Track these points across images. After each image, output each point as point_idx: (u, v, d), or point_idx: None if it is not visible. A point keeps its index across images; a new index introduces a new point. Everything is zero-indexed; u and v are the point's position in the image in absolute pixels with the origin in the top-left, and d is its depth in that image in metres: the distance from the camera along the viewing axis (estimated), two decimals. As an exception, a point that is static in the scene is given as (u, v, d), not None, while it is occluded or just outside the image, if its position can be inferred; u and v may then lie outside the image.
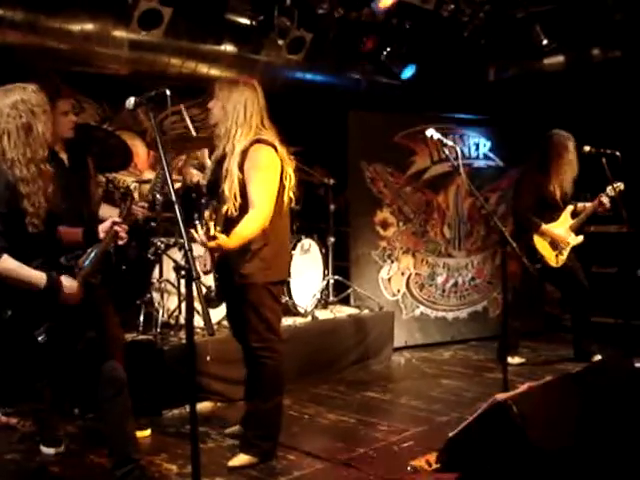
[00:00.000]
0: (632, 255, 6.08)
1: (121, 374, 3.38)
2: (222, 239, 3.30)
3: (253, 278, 3.64)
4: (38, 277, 3.02)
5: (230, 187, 3.51)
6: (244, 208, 3.52)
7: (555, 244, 5.74)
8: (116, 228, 3.26)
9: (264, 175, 3.55)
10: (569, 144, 5.69)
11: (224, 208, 3.45)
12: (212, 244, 3.30)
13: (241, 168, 3.53)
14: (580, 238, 5.84)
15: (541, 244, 5.72)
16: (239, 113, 3.59)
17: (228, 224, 3.43)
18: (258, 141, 3.57)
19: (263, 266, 3.64)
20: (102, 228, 3.33)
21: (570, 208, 5.83)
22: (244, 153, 3.55)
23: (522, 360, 5.94)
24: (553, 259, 5.74)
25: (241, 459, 3.72)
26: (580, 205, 5.87)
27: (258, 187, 3.51)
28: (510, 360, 5.71)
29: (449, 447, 3.40)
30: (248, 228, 3.48)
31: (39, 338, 3.02)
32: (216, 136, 3.70)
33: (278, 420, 3.83)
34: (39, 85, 3.16)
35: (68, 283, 3.09)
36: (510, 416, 3.06)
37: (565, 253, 5.77)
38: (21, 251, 3.05)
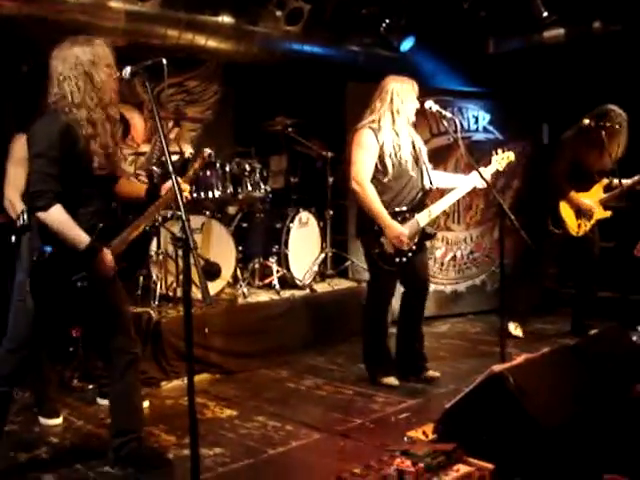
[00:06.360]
0: (630, 230, 6.08)
1: (136, 347, 3.41)
2: None
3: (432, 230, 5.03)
4: (82, 238, 3.01)
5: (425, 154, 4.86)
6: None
7: (580, 214, 5.72)
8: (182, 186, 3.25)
9: None
10: (624, 124, 5.55)
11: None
12: None
13: None
14: (608, 213, 5.79)
15: (566, 211, 5.70)
16: None
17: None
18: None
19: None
20: (165, 186, 3.38)
21: (604, 181, 5.78)
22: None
23: (519, 334, 5.94)
24: (575, 228, 5.72)
25: (432, 373, 4.87)
26: (616, 181, 5.70)
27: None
28: (512, 329, 5.75)
29: (446, 418, 3.42)
30: None
31: (78, 284, 3.03)
32: (413, 125, 4.76)
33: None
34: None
35: (108, 256, 3.09)
36: (506, 387, 3.07)
37: (588, 225, 5.74)
38: (81, 193, 3.08)
